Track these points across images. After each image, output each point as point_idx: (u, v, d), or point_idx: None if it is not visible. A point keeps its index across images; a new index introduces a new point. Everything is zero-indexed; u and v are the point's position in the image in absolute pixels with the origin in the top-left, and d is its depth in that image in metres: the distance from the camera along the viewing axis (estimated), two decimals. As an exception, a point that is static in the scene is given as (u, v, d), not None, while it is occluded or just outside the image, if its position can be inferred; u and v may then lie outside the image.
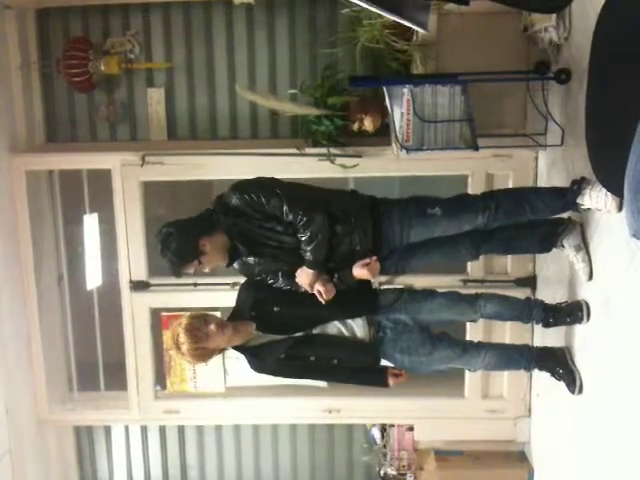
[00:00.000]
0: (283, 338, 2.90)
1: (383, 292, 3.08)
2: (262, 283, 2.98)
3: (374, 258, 2.83)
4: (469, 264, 3.96)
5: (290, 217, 2.74)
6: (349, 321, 2.96)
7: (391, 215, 2.88)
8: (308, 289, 2.84)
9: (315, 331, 2.94)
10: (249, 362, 2.97)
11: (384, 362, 3.05)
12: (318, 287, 2.80)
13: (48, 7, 4.06)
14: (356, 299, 2.96)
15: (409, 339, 2.99)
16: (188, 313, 2.81)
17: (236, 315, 2.95)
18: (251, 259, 2.88)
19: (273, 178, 2.90)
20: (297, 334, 2.91)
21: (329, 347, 2.94)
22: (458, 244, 3.02)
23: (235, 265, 2.96)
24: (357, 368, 3.02)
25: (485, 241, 3.05)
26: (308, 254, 2.78)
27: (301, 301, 2.93)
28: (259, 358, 2.93)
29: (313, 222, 2.74)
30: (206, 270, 2.85)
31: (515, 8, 3.30)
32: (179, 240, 2.72)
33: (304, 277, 2.83)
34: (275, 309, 2.91)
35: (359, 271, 2.84)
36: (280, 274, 2.93)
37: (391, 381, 3.01)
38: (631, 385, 2.53)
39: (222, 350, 2.89)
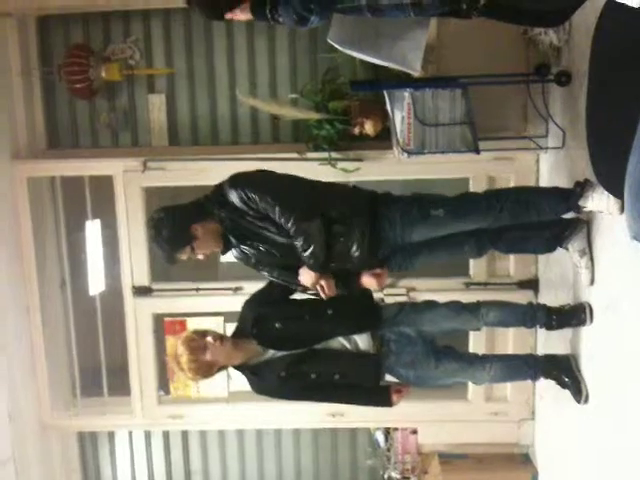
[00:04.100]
0: (284, 355, 2.87)
1: (385, 306, 3.08)
2: (265, 299, 2.99)
3: (385, 270, 2.81)
4: (472, 267, 3.96)
5: (282, 222, 2.68)
6: (353, 335, 2.93)
7: (392, 217, 2.81)
8: (311, 288, 2.82)
9: (317, 346, 2.91)
10: (249, 382, 2.95)
11: (388, 377, 3.01)
12: (321, 282, 2.77)
13: (49, 14, 4.06)
14: (358, 314, 2.94)
15: (413, 353, 2.96)
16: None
17: (238, 333, 2.95)
18: (246, 249, 2.84)
19: (273, 174, 2.86)
20: (299, 350, 2.88)
21: (331, 361, 2.91)
22: (463, 244, 3.01)
23: (233, 252, 2.91)
24: (359, 388, 2.97)
25: (492, 243, 3.04)
26: (305, 259, 2.73)
27: (303, 317, 2.91)
28: (259, 377, 2.91)
29: (305, 231, 2.67)
30: (200, 257, 2.78)
31: (514, 24, 3.29)
32: (171, 225, 2.69)
33: (307, 277, 2.78)
34: (277, 325, 2.88)
35: (368, 280, 2.82)
36: (276, 267, 2.89)
37: (395, 397, 2.96)
38: (635, 387, 2.52)
39: (222, 368, 2.87)
